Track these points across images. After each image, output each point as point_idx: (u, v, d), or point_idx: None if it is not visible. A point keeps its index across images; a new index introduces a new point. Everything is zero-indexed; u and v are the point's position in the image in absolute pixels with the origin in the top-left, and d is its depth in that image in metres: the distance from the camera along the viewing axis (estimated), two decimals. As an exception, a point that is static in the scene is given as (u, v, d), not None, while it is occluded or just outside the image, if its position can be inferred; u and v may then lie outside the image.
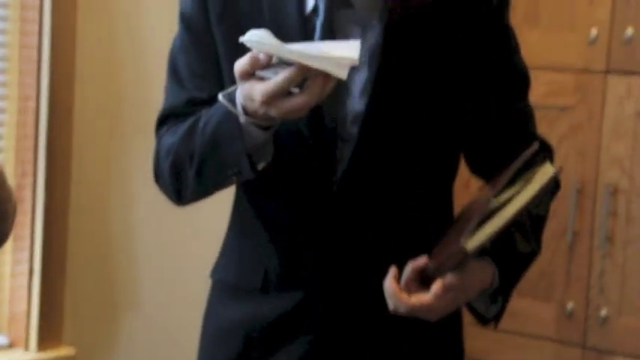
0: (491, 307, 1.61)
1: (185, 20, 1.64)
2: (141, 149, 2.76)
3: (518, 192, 1.48)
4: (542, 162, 1.51)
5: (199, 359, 1.76)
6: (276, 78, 1.38)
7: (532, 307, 2.88)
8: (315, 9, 1.56)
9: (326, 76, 1.38)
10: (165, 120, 1.67)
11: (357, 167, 1.57)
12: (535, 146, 1.52)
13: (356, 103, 1.57)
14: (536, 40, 2.75)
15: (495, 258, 1.56)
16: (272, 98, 1.39)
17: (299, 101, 1.39)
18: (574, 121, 2.80)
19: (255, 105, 1.42)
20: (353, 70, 1.52)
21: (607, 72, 2.75)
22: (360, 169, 1.57)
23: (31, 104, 2.65)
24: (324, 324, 1.61)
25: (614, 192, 2.74)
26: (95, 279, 2.79)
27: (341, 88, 1.54)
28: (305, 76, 1.38)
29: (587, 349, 2.82)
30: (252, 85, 1.42)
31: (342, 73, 1.36)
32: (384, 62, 1.54)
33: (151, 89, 2.77)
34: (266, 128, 1.49)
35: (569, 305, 2.83)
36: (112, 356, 2.84)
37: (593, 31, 2.76)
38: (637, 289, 2.75)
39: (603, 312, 2.78)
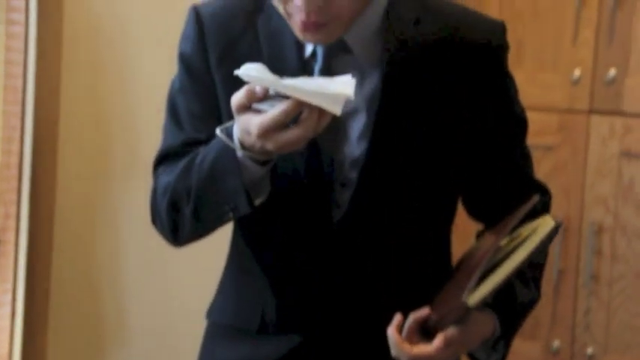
0: (492, 355, 1.60)
1: (184, 62, 1.64)
2: (127, 190, 2.75)
3: (518, 245, 1.49)
4: (542, 214, 1.52)
5: None
6: (273, 111, 1.39)
7: (518, 346, 2.86)
8: (314, 54, 1.57)
9: (321, 110, 1.38)
10: (162, 160, 1.66)
11: (356, 211, 1.57)
12: (535, 198, 1.52)
13: (354, 148, 1.57)
14: (520, 81, 2.73)
15: (496, 308, 1.56)
16: (268, 131, 1.40)
17: (295, 134, 1.40)
18: (558, 160, 2.82)
19: (252, 138, 1.42)
20: (350, 115, 1.54)
21: (590, 112, 2.79)
22: (359, 213, 1.57)
23: (15, 147, 2.64)
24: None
25: (599, 230, 2.77)
26: (79, 322, 2.77)
27: (338, 133, 1.55)
28: (301, 109, 1.38)
29: (573, 387, 2.83)
30: (248, 118, 1.42)
31: (337, 109, 1.37)
32: (383, 108, 1.55)
33: (139, 129, 2.76)
34: (263, 163, 1.49)
35: (555, 343, 2.85)
36: None
37: (577, 72, 2.80)
38: (622, 327, 2.77)
39: (589, 350, 2.80)
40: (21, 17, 2.62)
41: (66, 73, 2.68)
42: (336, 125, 1.53)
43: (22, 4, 2.60)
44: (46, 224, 2.68)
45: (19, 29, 2.62)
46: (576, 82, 2.80)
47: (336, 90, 1.38)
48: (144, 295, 2.87)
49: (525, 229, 1.51)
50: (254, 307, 1.65)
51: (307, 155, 1.53)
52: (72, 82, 2.70)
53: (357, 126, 1.57)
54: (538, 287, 1.65)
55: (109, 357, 2.83)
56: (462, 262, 1.58)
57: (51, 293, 2.70)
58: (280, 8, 1.48)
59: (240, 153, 1.48)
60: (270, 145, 1.41)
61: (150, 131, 2.70)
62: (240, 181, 1.48)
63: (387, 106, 1.55)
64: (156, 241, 2.71)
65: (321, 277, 1.60)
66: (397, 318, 1.52)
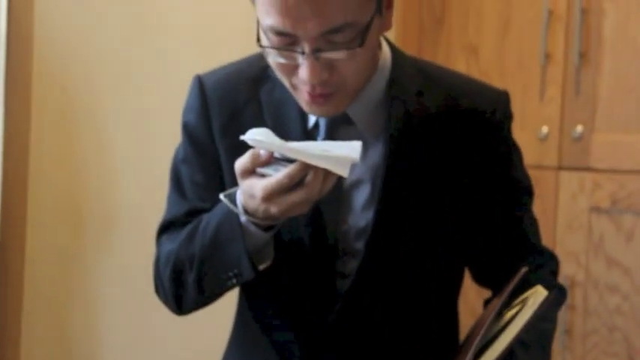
0: None
1: (188, 132, 1.64)
2: (103, 249, 2.72)
3: (511, 319, 1.48)
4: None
5: None
6: (277, 175, 1.39)
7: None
8: (317, 125, 1.58)
9: (326, 172, 1.39)
10: (166, 229, 1.66)
11: (364, 281, 1.57)
12: (524, 270, 1.52)
13: (358, 218, 1.57)
14: (488, 138, 2.80)
15: None
16: (272, 194, 1.40)
17: (299, 197, 1.40)
18: (529, 216, 2.84)
19: (256, 202, 1.42)
20: (354, 185, 1.55)
21: (559, 168, 2.82)
22: (367, 282, 1.57)
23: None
24: None
25: (571, 285, 2.79)
26: None
27: (342, 203, 1.56)
28: (306, 173, 1.39)
29: None
30: (252, 182, 1.42)
31: (344, 171, 1.38)
32: (387, 179, 1.55)
33: (114, 189, 2.74)
34: (267, 229, 1.49)
35: (530, 399, 2.84)
36: None
37: (544, 129, 2.84)
38: (596, 380, 2.78)
39: (564, 405, 2.80)
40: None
41: (36, 120, 2.66)
42: (340, 196, 1.53)
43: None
44: (16, 284, 2.64)
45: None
46: (544, 139, 2.84)
47: (343, 153, 1.39)
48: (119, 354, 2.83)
49: (519, 300, 1.51)
50: None
51: (312, 226, 1.54)
52: (42, 131, 2.67)
53: (362, 196, 1.58)
54: (547, 352, 1.62)
55: None
56: (466, 337, 1.58)
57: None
58: (285, 81, 1.49)
59: (243, 218, 1.48)
60: (274, 209, 1.41)
61: (126, 179, 2.69)
62: (243, 247, 1.48)
63: (391, 177, 1.56)
64: (132, 294, 2.66)
65: (327, 348, 1.59)
66: None
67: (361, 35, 1.42)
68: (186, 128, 1.65)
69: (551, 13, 2.83)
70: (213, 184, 1.60)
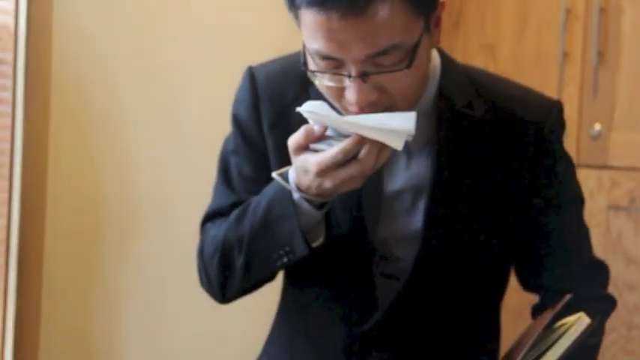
0: None
1: (238, 124, 1.63)
2: (121, 253, 2.73)
3: (551, 345, 1.50)
4: (578, 309, 1.51)
5: None
6: (332, 149, 1.41)
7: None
8: None
9: (381, 145, 1.43)
10: (210, 219, 1.65)
11: (408, 286, 1.58)
12: (567, 297, 1.50)
13: (398, 226, 1.58)
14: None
15: None
16: (327, 169, 1.41)
17: (353, 171, 1.41)
18: (547, 214, 2.85)
19: (310, 177, 1.43)
20: (396, 194, 1.58)
21: (577, 166, 2.81)
22: (411, 287, 1.58)
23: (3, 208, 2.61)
24: None
25: (591, 283, 2.78)
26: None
27: (383, 212, 1.57)
28: (360, 147, 1.42)
29: None
30: (306, 157, 1.43)
31: (399, 144, 1.42)
32: (435, 189, 1.56)
33: (133, 192, 2.74)
34: (319, 207, 1.49)
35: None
36: None
37: (562, 127, 2.84)
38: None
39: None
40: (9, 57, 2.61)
41: (55, 125, 2.66)
42: (381, 203, 1.55)
43: (10, 44, 2.59)
44: (35, 287, 2.65)
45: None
46: (562, 138, 2.84)
47: (398, 125, 1.40)
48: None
49: (562, 324, 1.52)
50: None
51: (353, 228, 1.56)
52: (60, 136, 2.67)
53: (403, 206, 1.59)
54: None
55: None
56: (506, 354, 1.59)
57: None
58: (335, 103, 1.48)
59: (296, 195, 1.48)
60: (328, 184, 1.42)
61: (146, 179, 2.69)
62: (296, 223, 1.48)
63: (438, 188, 1.57)
64: (152, 297, 2.66)
65: (366, 350, 1.59)
66: None
67: (409, 56, 1.41)
68: (237, 120, 1.64)
69: (569, 11, 2.84)
70: (261, 178, 1.58)
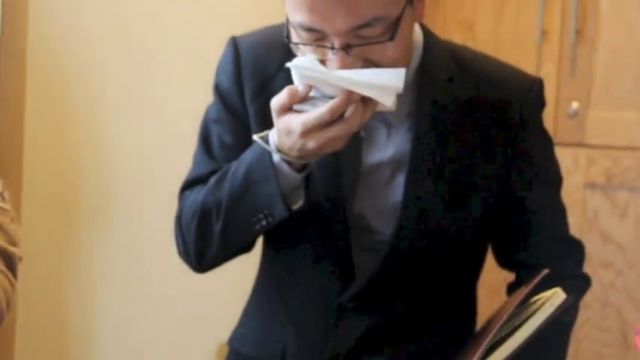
0: None
1: (220, 93, 1.64)
2: (96, 237, 2.73)
3: (526, 319, 1.48)
4: (554, 285, 1.53)
5: None
6: (318, 109, 1.41)
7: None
8: None
9: (365, 104, 1.43)
10: (189, 187, 1.65)
11: (385, 258, 1.58)
12: (544, 272, 1.51)
13: (376, 199, 1.59)
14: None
15: None
16: (312, 129, 1.42)
17: (339, 131, 1.42)
18: (524, 192, 2.86)
19: (294, 138, 1.44)
20: (375, 167, 1.60)
21: (554, 144, 2.82)
22: (388, 259, 1.59)
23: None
24: None
25: (567, 261, 2.80)
26: (44, 349, 2.67)
27: (361, 184, 1.58)
28: (346, 108, 1.43)
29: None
30: (290, 118, 1.44)
31: (388, 101, 1.43)
32: (413, 162, 1.57)
33: (110, 162, 2.74)
34: (299, 170, 1.50)
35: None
36: None
37: (540, 105, 2.85)
38: (589, 356, 2.81)
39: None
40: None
41: (30, 105, 2.65)
42: (360, 176, 1.54)
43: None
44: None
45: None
46: (539, 115, 2.85)
47: (387, 81, 1.41)
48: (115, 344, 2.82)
49: (537, 299, 1.54)
50: (275, 340, 1.65)
51: (331, 200, 1.57)
52: (37, 117, 2.67)
53: (381, 178, 1.60)
54: (564, 348, 1.64)
55: None
56: (482, 328, 1.62)
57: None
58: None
59: (276, 157, 1.49)
60: (312, 144, 1.43)
61: (122, 152, 2.69)
62: (276, 185, 1.49)
63: (417, 161, 1.58)
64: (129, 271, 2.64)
65: (343, 321, 1.61)
66: None
67: (392, 29, 1.42)
68: (218, 89, 1.64)
69: (547, -11, 2.84)
70: (242, 147, 1.58)
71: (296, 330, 1.63)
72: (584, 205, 2.81)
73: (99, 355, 2.75)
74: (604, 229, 2.79)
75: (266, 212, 1.51)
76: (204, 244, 1.59)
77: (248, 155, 1.54)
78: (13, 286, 1.58)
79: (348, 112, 1.41)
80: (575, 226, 2.65)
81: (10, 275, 1.58)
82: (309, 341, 1.62)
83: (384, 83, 1.40)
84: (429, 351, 1.60)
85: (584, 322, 2.81)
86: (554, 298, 1.48)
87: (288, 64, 1.43)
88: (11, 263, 1.59)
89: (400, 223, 1.56)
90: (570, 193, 2.80)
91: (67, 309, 2.72)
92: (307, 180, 1.52)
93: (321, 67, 1.42)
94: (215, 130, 1.64)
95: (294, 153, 1.46)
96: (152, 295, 2.78)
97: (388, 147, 1.57)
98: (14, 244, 1.61)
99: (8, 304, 1.56)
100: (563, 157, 2.72)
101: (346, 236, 1.58)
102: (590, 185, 2.80)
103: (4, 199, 1.65)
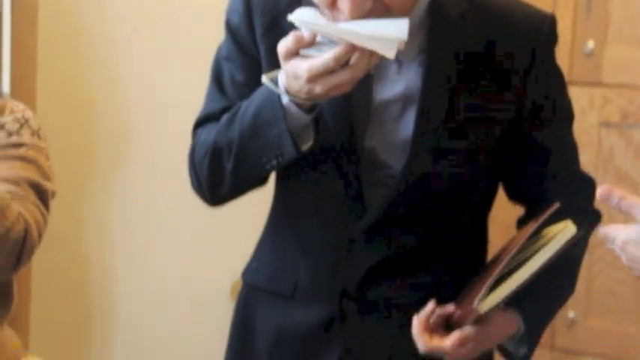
0: (520, 348, 1.65)
1: (231, 30, 1.66)
2: (113, 162, 2.74)
3: (538, 250, 1.50)
4: (564, 218, 1.54)
5: (227, 357, 1.78)
6: (323, 56, 1.42)
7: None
8: None
9: (372, 51, 1.44)
10: (201, 124, 1.68)
11: (397, 192, 1.61)
12: (555, 206, 1.52)
13: (387, 135, 1.61)
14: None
15: (521, 306, 1.59)
16: (317, 75, 1.43)
17: (344, 77, 1.43)
18: (539, 132, 2.87)
19: (300, 82, 1.45)
20: (386, 104, 1.60)
21: (570, 84, 2.83)
22: (400, 193, 1.61)
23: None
24: (352, 339, 1.65)
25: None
26: (64, 288, 2.71)
27: (372, 120, 1.60)
28: (352, 54, 1.44)
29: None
30: (296, 63, 1.45)
31: (390, 53, 1.43)
32: (425, 97, 1.58)
33: (125, 98, 2.75)
34: (308, 111, 1.52)
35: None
36: None
37: (555, 45, 2.85)
38: (603, 292, 2.84)
39: (570, 314, 2.87)
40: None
41: (44, 41, 2.62)
42: (370, 112, 1.57)
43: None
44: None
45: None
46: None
47: (390, 33, 1.41)
48: (133, 264, 2.81)
49: (548, 232, 1.56)
50: (288, 274, 1.68)
51: (342, 135, 1.59)
52: (50, 55, 2.64)
53: (392, 115, 1.61)
54: (572, 281, 1.68)
55: (96, 323, 2.77)
56: (492, 260, 1.64)
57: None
58: (327, 13, 1.48)
59: (285, 99, 1.51)
60: (318, 89, 1.44)
61: (137, 88, 2.69)
62: (285, 126, 1.51)
63: (429, 96, 1.59)
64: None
65: (355, 250, 1.64)
66: (428, 307, 1.56)
67: None
68: (230, 27, 1.66)
69: None
70: (253, 84, 1.59)
71: (308, 263, 1.66)
72: (599, 144, 2.82)
73: (117, 291, 2.78)
74: (619, 168, 2.80)
75: (276, 152, 1.54)
76: (216, 181, 1.62)
77: (257, 96, 1.56)
78: (45, 218, 1.64)
79: (354, 59, 1.42)
80: (591, 165, 2.69)
81: (42, 208, 1.64)
82: (320, 274, 1.65)
83: (387, 35, 1.40)
84: (439, 284, 1.63)
85: (598, 259, 2.84)
86: (565, 231, 1.50)
87: (289, 18, 1.43)
88: (44, 197, 1.65)
89: (410, 158, 1.59)
90: (586, 132, 2.81)
91: (85, 249, 2.75)
92: (317, 120, 1.54)
93: (322, 20, 1.43)
94: (226, 68, 1.66)
95: (302, 95, 1.47)
96: (168, 232, 2.80)
97: (399, 83, 1.59)
98: (47, 180, 1.66)
99: (40, 235, 1.62)
100: (579, 96, 2.74)
101: (357, 171, 1.60)
102: (606, 124, 2.81)
103: (39, 136, 1.70)
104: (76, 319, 2.72)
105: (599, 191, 1.28)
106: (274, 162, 1.55)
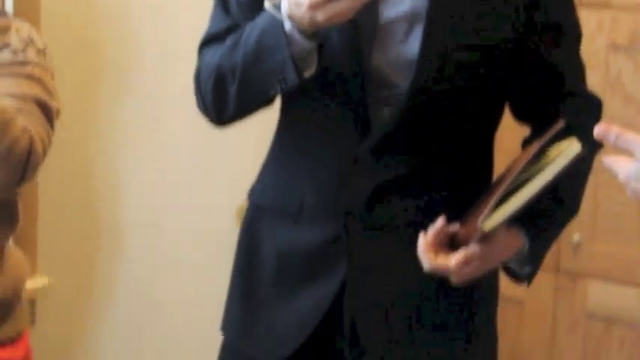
0: (525, 267, 1.67)
1: None
2: (120, 93, 2.74)
3: (544, 167, 1.51)
4: (569, 136, 1.55)
5: (233, 279, 1.80)
6: None
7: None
8: None
9: None
10: (207, 44, 1.69)
11: (403, 110, 1.62)
12: (560, 124, 1.53)
13: (393, 51, 1.61)
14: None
15: (526, 225, 1.60)
16: (319, 3, 1.44)
17: (345, 5, 1.44)
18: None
19: (302, 10, 1.46)
20: (391, 23, 1.61)
21: (579, 5, 2.81)
22: (406, 112, 1.62)
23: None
24: (357, 257, 1.66)
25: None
26: (71, 207, 2.72)
27: (378, 39, 1.60)
28: None
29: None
30: None
31: None
32: (432, 14, 1.58)
33: (131, 28, 2.74)
34: (311, 37, 1.52)
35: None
36: (91, 288, 2.77)
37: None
38: (609, 215, 2.85)
39: (575, 237, 2.88)
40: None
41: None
42: (376, 31, 1.56)
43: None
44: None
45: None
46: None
47: None
48: (140, 183, 2.82)
49: (553, 150, 1.56)
50: (294, 193, 1.70)
51: (348, 53, 1.59)
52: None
53: (398, 34, 1.61)
54: (577, 199, 1.69)
55: (103, 240, 2.78)
56: (497, 180, 1.64)
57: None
58: None
59: (288, 25, 1.51)
60: (320, 16, 1.46)
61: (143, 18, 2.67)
62: (288, 53, 1.52)
63: (435, 14, 1.59)
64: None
65: (360, 170, 1.65)
66: (437, 224, 1.56)
67: None
68: None
69: None
70: (258, 4, 1.60)
71: (313, 182, 1.68)
72: (607, 67, 2.81)
73: (123, 213, 2.80)
74: (627, 91, 2.79)
75: (279, 78, 1.55)
76: (221, 104, 1.65)
77: (261, 21, 1.56)
78: (49, 136, 1.64)
79: None
80: (598, 88, 2.67)
81: (47, 126, 1.64)
82: (326, 193, 1.67)
83: None
84: (445, 204, 1.64)
85: (604, 184, 2.84)
86: (570, 148, 1.50)
87: None
88: (49, 115, 1.66)
89: (417, 76, 1.59)
90: (594, 54, 2.80)
91: (91, 170, 2.75)
92: (321, 46, 1.55)
93: None
94: None
95: (305, 23, 1.48)
96: (172, 155, 2.80)
97: (405, 1, 1.60)
98: (53, 99, 1.66)
99: (44, 152, 1.62)
100: (588, 18, 2.72)
101: (363, 90, 1.61)
102: (614, 46, 2.79)
103: (45, 55, 1.69)
104: (84, 239, 2.73)
105: (596, 130, 1.28)
106: (277, 87, 1.57)
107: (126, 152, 2.75)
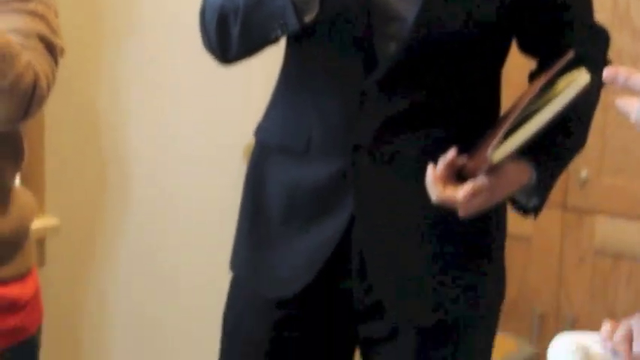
0: (532, 199, 1.66)
1: None
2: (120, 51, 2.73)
3: (552, 99, 1.50)
4: (578, 67, 1.54)
5: (240, 218, 1.81)
6: None
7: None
8: None
9: None
10: None
11: (409, 45, 1.61)
12: (570, 54, 1.51)
13: None
14: None
15: (534, 156, 1.59)
16: None
17: None
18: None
19: None
20: None
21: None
22: (412, 46, 1.61)
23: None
24: (365, 191, 1.66)
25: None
26: (78, 148, 2.69)
27: None
28: None
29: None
30: None
31: None
32: None
33: None
34: None
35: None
36: (100, 229, 2.75)
37: None
38: (616, 150, 2.84)
39: (583, 173, 2.89)
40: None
41: None
42: None
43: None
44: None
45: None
46: None
47: None
48: (148, 128, 2.78)
49: (562, 81, 1.55)
50: (301, 130, 1.69)
51: None
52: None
53: None
54: (584, 131, 1.68)
55: (112, 181, 2.74)
56: (505, 113, 1.63)
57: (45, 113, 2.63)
58: None
59: None
60: None
61: None
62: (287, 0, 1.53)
63: None
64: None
65: (367, 104, 1.64)
66: (448, 155, 1.55)
67: None
68: None
69: None
70: None
71: (320, 118, 1.67)
72: (615, 1, 2.79)
73: (131, 152, 2.78)
74: (635, 25, 2.78)
75: (280, 22, 1.55)
76: (225, 43, 1.65)
77: None
78: (54, 73, 1.63)
79: None
80: (606, 23, 2.64)
81: (52, 62, 1.63)
82: (333, 129, 1.66)
83: None
84: (452, 138, 1.62)
85: (612, 120, 2.84)
86: (579, 79, 1.50)
87: None
88: (54, 52, 1.65)
89: (422, 8, 1.58)
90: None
91: (99, 105, 2.72)
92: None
93: None
94: None
95: None
96: (179, 94, 2.79)
97: None
98: (57, 36, 1.65)
99: (49, 88, 1.61)
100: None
101: (368, 23, 1.60)
102: (622, -20, 2.78)
103: None
104: (91, 182, 2.73)
105: (605, 73, 1.27)
106: (279, 31, 1.57)
107: (131, 92, 2.74)
